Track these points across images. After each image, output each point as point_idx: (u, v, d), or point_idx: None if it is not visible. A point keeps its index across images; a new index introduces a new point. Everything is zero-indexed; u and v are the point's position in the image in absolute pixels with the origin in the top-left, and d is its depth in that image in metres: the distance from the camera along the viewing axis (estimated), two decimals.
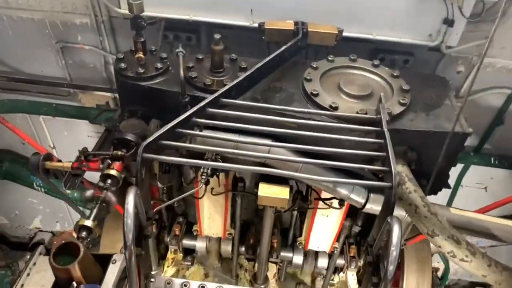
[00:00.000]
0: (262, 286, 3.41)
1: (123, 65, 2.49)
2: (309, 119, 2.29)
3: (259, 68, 2.43)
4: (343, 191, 2.43)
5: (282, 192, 2.42)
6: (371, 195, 2.44)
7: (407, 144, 2.41)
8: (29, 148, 4.21)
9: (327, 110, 2.33)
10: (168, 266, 3.60)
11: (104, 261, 1.77)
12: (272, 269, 3.58)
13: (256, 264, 3.52)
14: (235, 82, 2.30)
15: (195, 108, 2.11)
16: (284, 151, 2.32)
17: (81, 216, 2.06)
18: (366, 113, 2.29)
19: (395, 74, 2.60)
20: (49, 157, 2.39)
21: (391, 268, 1.63)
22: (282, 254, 3.45)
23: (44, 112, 3.71)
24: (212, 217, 3.19)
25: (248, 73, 2.38)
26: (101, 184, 2.12)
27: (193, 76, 2.47)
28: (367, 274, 2.61)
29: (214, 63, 2.53)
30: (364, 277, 3.42)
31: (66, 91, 3.73)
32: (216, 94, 2.20)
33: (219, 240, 3.48)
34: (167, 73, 2.55)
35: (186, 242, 3.53)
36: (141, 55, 2.49)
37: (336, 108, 2.33)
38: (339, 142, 2.11)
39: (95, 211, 2.09)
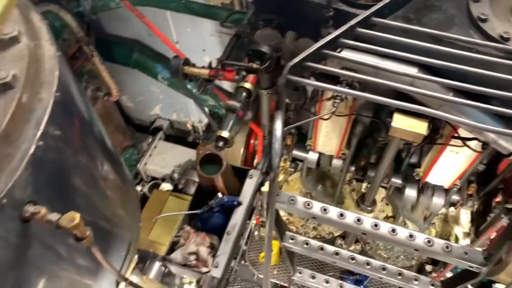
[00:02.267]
0: (369, 208, 3.43)
1: None
2: (471, 50, 1.97)
3: None
4: (491, 135, 2.18)
5: (419, 127, 2.25)
6: None
7: None
8: (155, 40, 4.38)
9: (497, 41, 1.98)
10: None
11: (242, 175, 1.85)
12: (381, 193, 3.54)
13: (364, 185, 3.51)
14: None
15: (344, 28, 1.92)
16: (431, 84, 2.08)
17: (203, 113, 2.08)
18: None
19: None
20: (187, 62, 2.44)
21: None
22: (393, 180, 3.38)
23: (173, 7, 3.73)
24: (329, 136, 3.14)
25: None
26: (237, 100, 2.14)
27: None
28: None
29: None
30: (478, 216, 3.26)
31: None
32: (368, 13, 1.97)
33: (330, 156, 3.48)
34: None
35: (297, 152, 3.58)
36: None
37: (508, 40, 1.97)
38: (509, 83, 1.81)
39: (231, 122, 2.16)
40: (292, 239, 2.32)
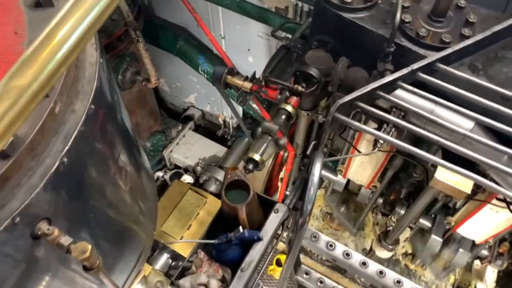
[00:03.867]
0: (391, 247, 3.27)
1: None
2: None
3: (495, 32, 1.90)
4: None
5: (464, 184, 2.08)
6: None
7: None
8: (202, 31, 4.30)
9: None
10: None
11: (267, 206, 1.75)
12: (406, 233, 3.38)
13: (390, 221, 3.35)
14: (460, 46, 1.85)
15: (404, 71, 1.77)
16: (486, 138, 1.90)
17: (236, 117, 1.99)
18: None
19: None
20: (231, 71, 2.34)
21: None
22: (421, 221, 3.21)
23: (226, 4, 3.63)
24: (363, 166, 2.99)
25: (479, 37, 1.88)
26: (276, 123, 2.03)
27: (406, 20, 2.05)
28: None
29: (436, 9, 2.05)
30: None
31: None
32: (433, 58, 1.81)
33: (359, 185, 3.34)
34: (375, 7, 2.17)
35: (326, 174, 3.45)
36: None
37: None
38: None
39: (264, 145, 2.05)
40: (307, 274, 2.22)
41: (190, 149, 5.18)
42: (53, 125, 1.14)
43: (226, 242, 1.54)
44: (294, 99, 2.16)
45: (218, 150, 5.17)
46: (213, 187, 4.60)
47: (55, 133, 1.15)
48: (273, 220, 1.69)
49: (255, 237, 1.60)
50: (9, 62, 1.23)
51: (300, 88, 2.14)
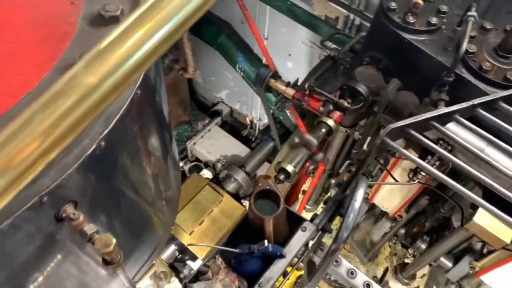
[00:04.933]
0: (406, 281, 3.13)
1: (393, 5, 2.06)
2: None
3: None
4: None
5: (504, 233, 1.94)
6: None
7: None
8: (245, 29, 4.24)
9: None
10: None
11: (294, 221, 1.66)
12: (424, 269, 3.23)
13: (408, 254, 3.21)
14: None
15: (464, 105, 1.65)
16: None
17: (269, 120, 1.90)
18: None
19: None
20: (275, 75, 2.26)
21: None
22: (442, 260, 3.06)
23: (276, 6, 3.55)
24: (393, 193, 2.87)
25: None
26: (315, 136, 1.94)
27: (470, 50, 1.93)
28: None
29: (504, 44, 1.93)
30: None
31: None
32: (497, 96, 1.69)
33: (383, 212, 3.21)
34: (438, 32, 2.05)
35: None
36: (420, 0, 2.01)
37: None
38: None
39: (299, 157, 1.96)
40: None
41: (213, 144, 5.12)
42: None
43: (247, 253, 1.46)
44: (337, 114, 2.06)
45: (241, 150, 5.10)
46: (230, 187, 4.53)
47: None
48: (299, 239, 1.59)
49: (278, 253, 1.51)
50: (61, 33, 1.18)
51: (345, 104, 2.04)
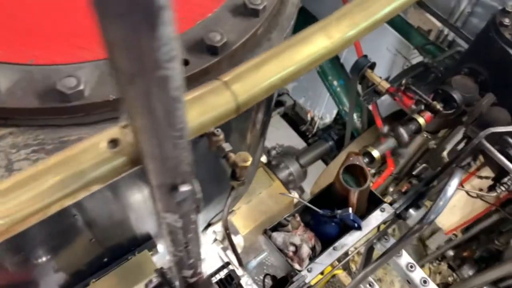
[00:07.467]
0: None
1: (507, 21, 2.09)
2: None
3: None
4: None
5: None
6: None
7: None
8: None
9: None
10: None
11: (373, 202, 1.74)
12: None
13: (452, 276, 3.20)
14: None
15: None
16: None
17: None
18: None
19: None
20: (373, 66, 2.35)
21: None
22: None
23: None
24: (454, 210, 2.87)
25: None
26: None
27: None
28: None
29: None
30: None
31: None
32: None
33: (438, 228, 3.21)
34: None
35: None
36: None
37: None
38: None
39: (386, 146, 2.04)
40: None
41: (272, 131, 5.24)
42: (251, 43, 1.21)
43: (329, 216, 1.56)
44: (428, 114, 2.12)
45: (297, 143, 5.20)
46: (282, 175, 4.64)
47: (250, 52, 1.22)
48: (377, 217, 1.67)
49: (356, 224, 1.60)
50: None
51: (438, 106, 2.09)
